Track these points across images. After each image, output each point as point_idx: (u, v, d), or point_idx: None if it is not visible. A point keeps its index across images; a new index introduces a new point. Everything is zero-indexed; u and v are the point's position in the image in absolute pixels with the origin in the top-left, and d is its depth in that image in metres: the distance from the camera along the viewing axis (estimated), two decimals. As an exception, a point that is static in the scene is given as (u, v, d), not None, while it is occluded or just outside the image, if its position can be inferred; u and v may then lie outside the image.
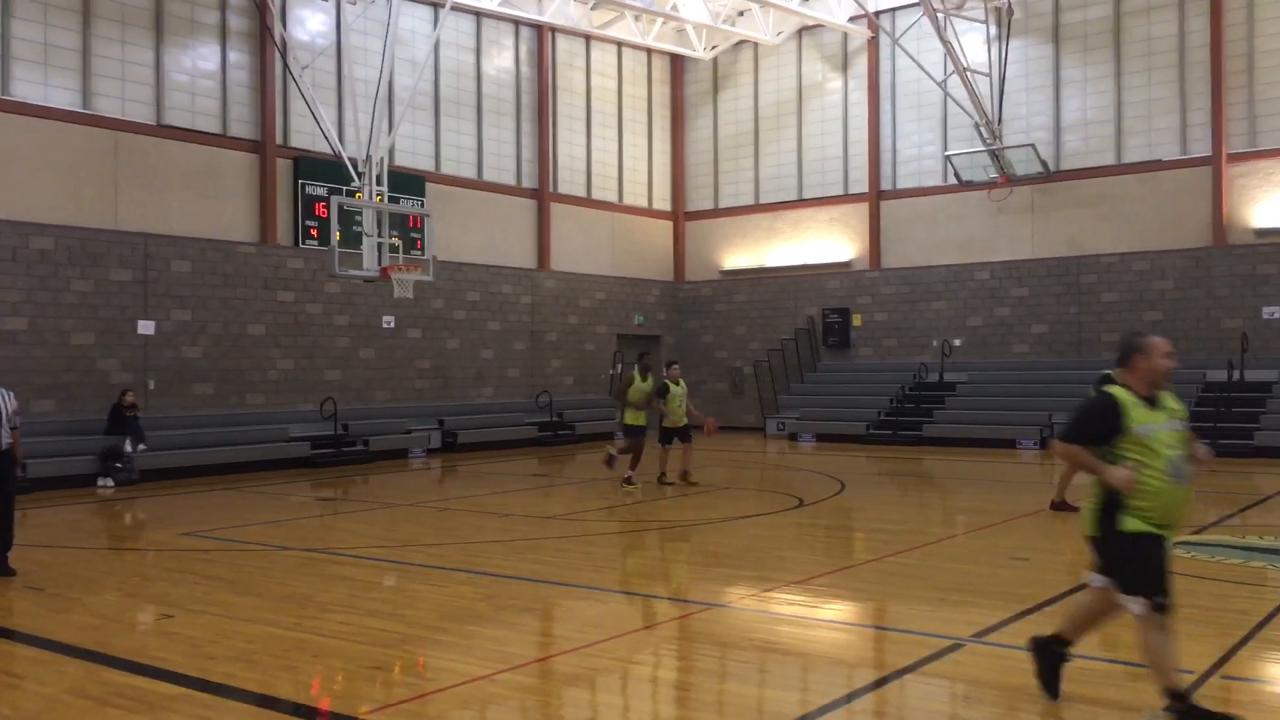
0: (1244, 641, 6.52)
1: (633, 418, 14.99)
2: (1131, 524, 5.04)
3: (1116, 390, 5.15)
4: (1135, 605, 5.01)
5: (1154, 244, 22.80)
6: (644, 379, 15.09)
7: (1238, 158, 21.91)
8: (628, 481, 14.81)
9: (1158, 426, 5.05)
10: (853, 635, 7.37)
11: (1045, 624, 7.07)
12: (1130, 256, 23.02)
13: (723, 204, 29.00)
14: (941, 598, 7.96)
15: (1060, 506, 12.05)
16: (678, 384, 15.23)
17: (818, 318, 27.16)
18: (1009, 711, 5.41)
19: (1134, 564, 5.05)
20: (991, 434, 21.72)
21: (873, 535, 11.60)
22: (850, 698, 5.70)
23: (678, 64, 29.21)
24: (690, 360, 28.27)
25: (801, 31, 27.33)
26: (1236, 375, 20.92)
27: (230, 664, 6.26)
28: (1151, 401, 5.10)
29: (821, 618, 7.75)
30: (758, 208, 28.33)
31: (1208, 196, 22.19)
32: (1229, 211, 22.00)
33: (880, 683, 6.01)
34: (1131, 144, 23.19)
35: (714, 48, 28.09)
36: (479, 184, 24.40)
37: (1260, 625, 6.89)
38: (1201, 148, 22.28)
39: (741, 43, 27.89)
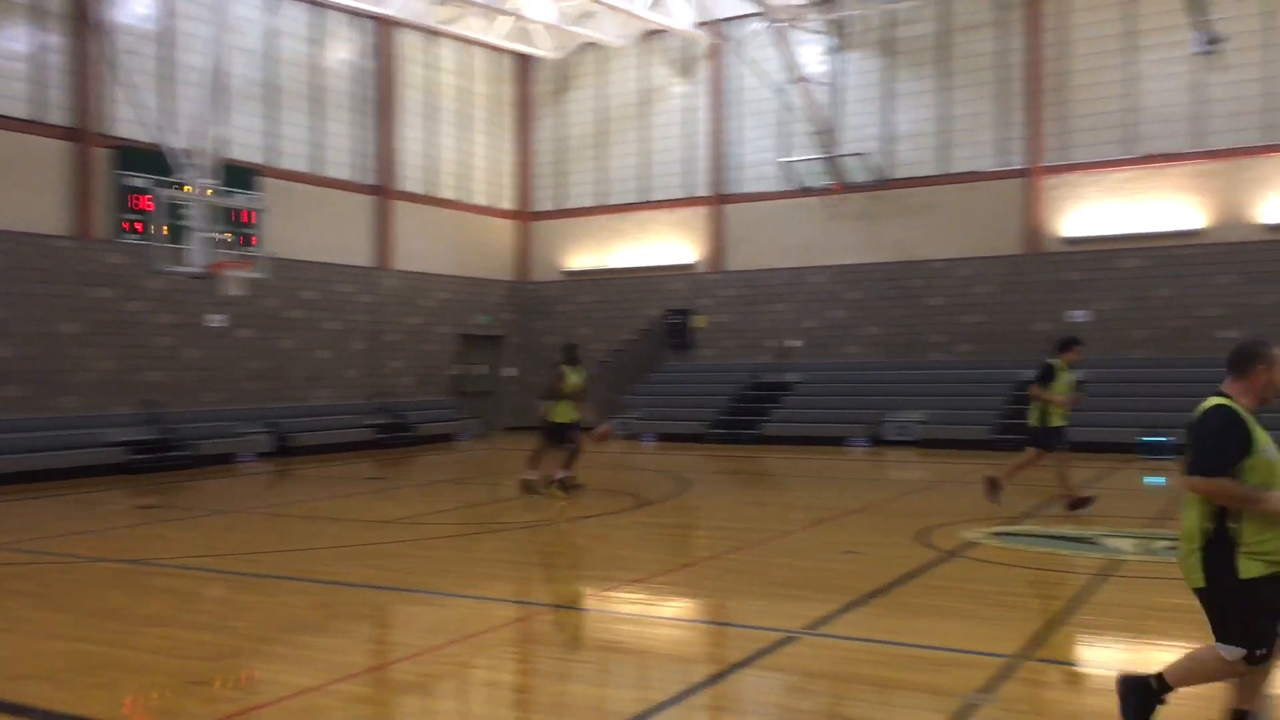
0: (1054, 625, 6.92)
1: (564, 414, 13.94)
2: (1253, 568, 4.34)
3: (1232, 405, 4.45)
4: (1230, 654, 4.47)
5: (976, 250, 23.99)
6: (574, 370, 14.20)
7: (1051, 170, 23.28)
8: (562, 486, 13.78)
9: (1273, 447, 4.41)
10: (692, 632, 7.48)
11: (875, 615, 7.36)
12: (955, 262, 24.17)
13: (568, 204, 29.00)
14: (776, 592, 8.16)
15: (1077, 504, 11.79)
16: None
17: (660, 319, 27.48)
18: (837, 700, 5.59)
19: (1248, 615, 4.40)
20: (825, 432, 22.43)
21: (713, 533, 11.81)
22: (688, 693, 5.77)
23: (524, 63, 29.06)
24: (534, 361, 28.15)
25: (647, 36, 27.61)
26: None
27: (38, 684, 5.87)
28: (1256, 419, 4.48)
29: (661, 615, 7.83)
30: (603, 209, 28.46)
31: (1022, 207, 23.51)
32: (1041, 221, 23.36)
33: (717, 677, 6.11)
34: (956, 155, 24.35)
35: (561, 48, 28.07)
36: (317, 179, 23.66)
37: (1068, 609, 7.33)
38: (1019, 160, 23.58)
39: (588, 44, 27.96)
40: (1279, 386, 4.51)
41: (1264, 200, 21.30)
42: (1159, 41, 22.05)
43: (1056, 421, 11.97)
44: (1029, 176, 23.36)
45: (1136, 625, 7.00)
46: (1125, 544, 9.87)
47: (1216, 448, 4.35)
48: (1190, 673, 4.71)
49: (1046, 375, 11.98)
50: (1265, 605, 4.37)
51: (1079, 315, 22.78)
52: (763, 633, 6.87)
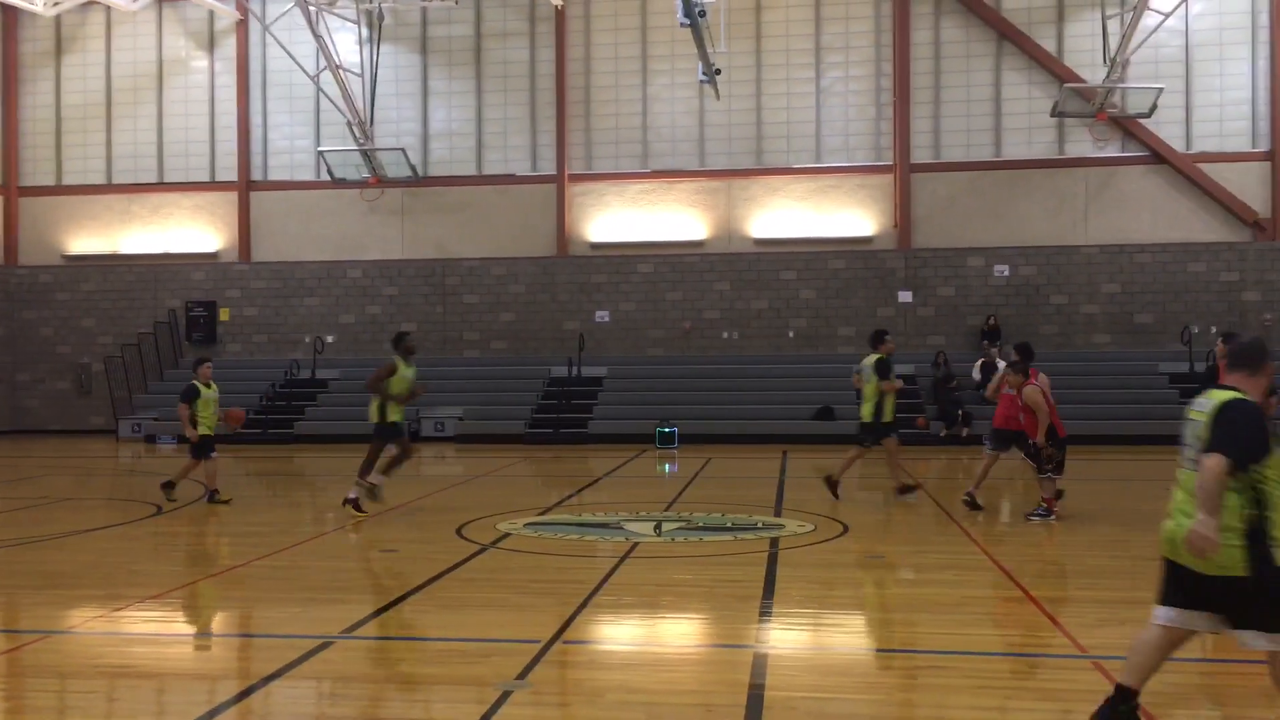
0: (581, 608, 7.33)
1: (395, 413, 11.96)
2: None
3: (1250, 399, 4.45)
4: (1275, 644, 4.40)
5: (509, 251, 24.85)
6: (408, 364, 12.02)
7: (578, 178, 24.72)
8: (368, 496, 11.76)
9: None
10: (217, 647, 6.97)
11: (413, 613, 7.34)
12: (490, 262, 24.85)
13: (67, 181, 25.88)
14: (311, 597, 7.86)
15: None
16: (209, 386, 13.02)
17: (180, 311, 25.42)
18: (375, 704, 5.49)
19: None
20: (362, 430, 21.95)
21: (240, 539, 11.11)
22: (212, 714, 5.37)
23: (10, 17, 25.42)
24: (26, 356, 24.81)
25: (162, 1, 25.35)
26: (575, 371, 23.61)
27: None
28: None
29: (181, 632, 7.23)
30: (111, 188, 25.73)
31: (554, 211, 24.74)
32: (570, 225, 24.75)
33: (245, 693, 5.74)
34: (490, 157, 25.04)
35: (56, 4, 24.88)
36: None
37: (594, 591, 7.81)
38: (549, 166, 24.77)
39: (91, 3, 25.08)
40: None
41: (754, 217, 24.22)
42: (669, 68, 24.27)
43: (890, 415, 12.35)
44: (559, 182, 24.62)
45: (652, 601, 7.62)
46: (643, 527, 10.73)
47: (1257, 440, 4.31)
48: (1143, 665, 4.66)
49: (886, 370, 12.29)
50: None
51: (602, 316, 24.45)
52: (296, 641, 6.57)
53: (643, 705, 5.32)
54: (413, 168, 24.42)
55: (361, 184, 24.51)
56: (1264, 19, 22.53)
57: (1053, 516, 10.90)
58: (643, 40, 24.54)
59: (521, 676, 5.70)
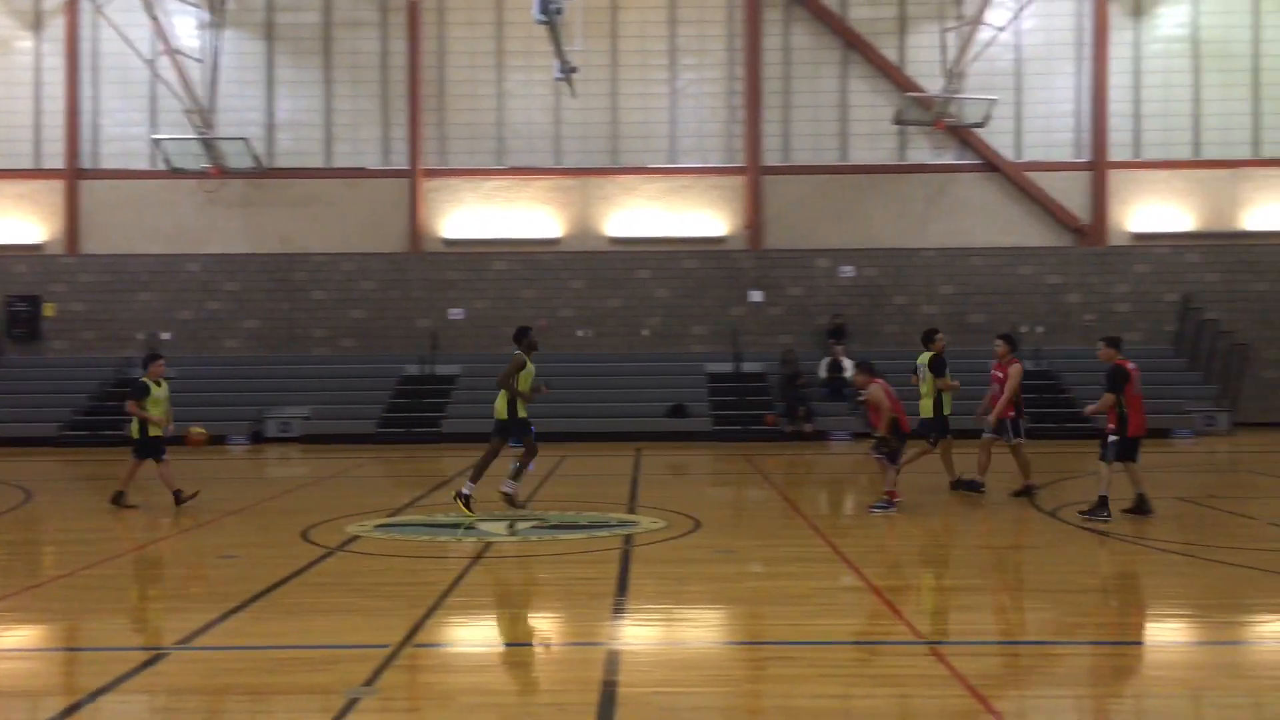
0: (432, 610, 7.21)
1: (524, 410, 11.49)
2: None
3: None
4: None
5: (360, 246, 24.25)
6: (531, 360, 11.61)
7: (432, 173, 24.32)
8: (510, 504, 11.30)
9: None
10: (38, 663, 6.56)
11: (255, 620, 7.07)
12: (339, 257, 24.20)
13: None
14: (143, 606, 7.49)
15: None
16: (159, 384, 12.34)
17: (0, 306, 23.86)
18: (212, 716, 5.27)
19: None
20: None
21: (65, 548, 10.50)
22: (32, 735, 5.05)
23: None
24: None
25: (-18, -25, 23.78)
26: (428, 370, 23.23)
27: None
28: None
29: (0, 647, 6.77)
30: (-79, 173, 23.96)
31: (406, 206, 24.26)
32: (423, 221, 24.32)
33: (71, 710, 5.42)
34: (340, 149, 24.39)
35: None
36: None
37: (446, 593, 7.68)
38: (401, 160, 24.28)
39: (-102, -27, 23.31)
40: None
41: (610, 215, 24.32)
42: (525, 64, 24.14)
43: (948, 410, 12.40)
44: (412, 177, 24.16)
45: (505, 602, 7.56)
46: (497, 527, 10.63)
47: None
48: None
49: (940, 367, 12.34)
50: None
51: (457, 314, 24.13)
52: (127, 653, 6.24)
53: (494, 707, 5.27)
54: (256, 158, 23.53)
55: (201, 174, 23.47)
56: (1088, 36, 23.93)
57: (893, 508, 11.32)
58: (498, 35, 24.32)
59: (369, 683, 5.56)
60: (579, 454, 18.75)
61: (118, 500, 12.18)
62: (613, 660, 6.03)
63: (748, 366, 23.45)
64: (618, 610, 7.23)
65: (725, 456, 18.56)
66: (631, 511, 11.73)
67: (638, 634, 6.83)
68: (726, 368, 23.41)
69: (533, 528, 10.61)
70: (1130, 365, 10.79)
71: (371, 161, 24.37)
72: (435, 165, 24.32)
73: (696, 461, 17.71)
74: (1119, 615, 7.58)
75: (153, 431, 12.21)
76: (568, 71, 20.46)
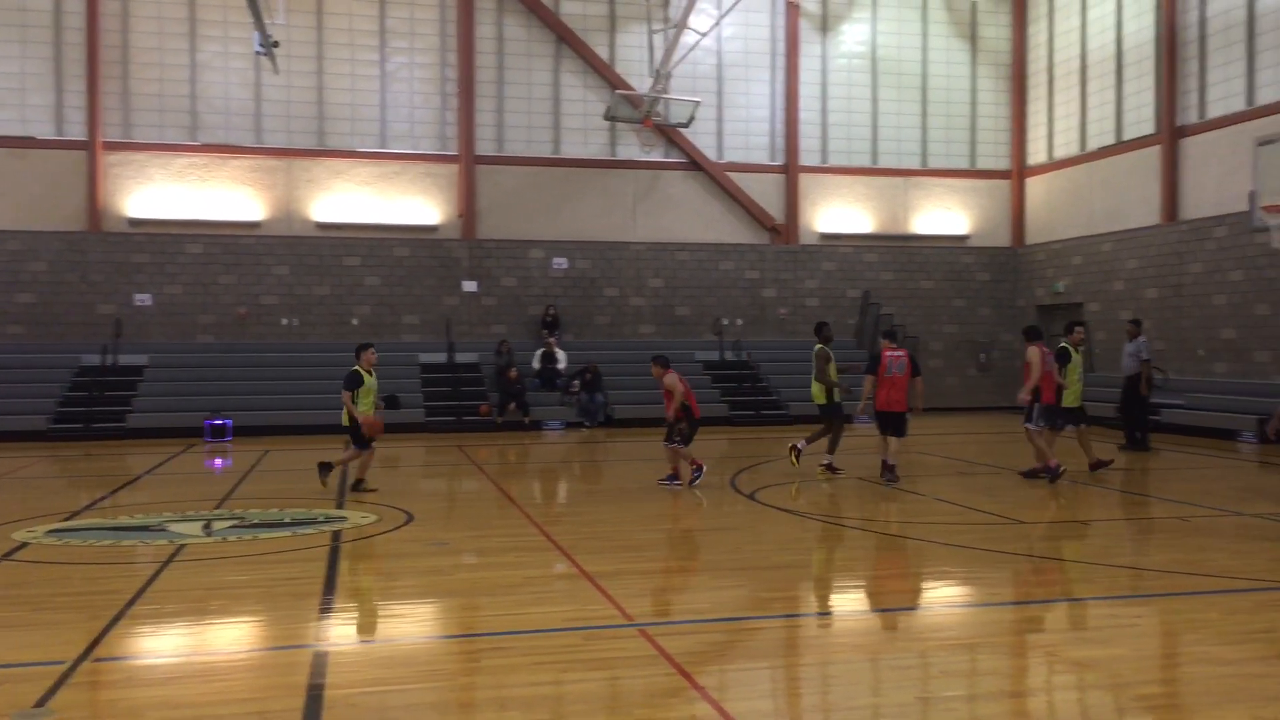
0: (116, 620, 6.65)
1: (835, 395, 13.75)
2: None
3: None
4: None
5: (28, 224, 21.91)
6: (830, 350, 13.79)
7: (114, 146, 22.33)
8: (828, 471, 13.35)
9: None
10: None
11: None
12: (3, 235, 21.77)
13: None
14: None
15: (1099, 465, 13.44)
16: (370, 374, 12.33)
17: None
18: None
19: None
20: None
21: None
22: None
23: None
24: None
25: None
26: (110, 360, 21.39)
27: None
28: None
29: None
30: None
31: (84, 181, 22.17)
32: (105, 198, 22.32)
33: None
34: (3, 116, 21.92)
35: None
36: None
37: (131, 601, 7.11)
38: (78, 131, 22.13)
39: None
40: None
41: (316, 199, 23.32)
42: (223, 34, 22.67)
43: (1070, 401, 13.28)
44: (90, 149, 22.10)
45: (200, 607, 7.10)
46: (190, 528, 9.96)
47: None
48: None
49: (1064, 357, 13.20)
50: None
51: (144, 299, 22.35)
52: None
53: (188, 720, 4.93)
54: (-101, 120, 20.71)
55: None
56: (781, 47, 25.48)
57: (678, 484, 12.24)
58: (190, 2, 22.68)
59: (40, 703, 5.06)
60: (284, 448, 17.91)
61: (357, 487, 12.20)
62: (320, 662, 5.81)
63: (462, 357, 23.25)
64: (324, 610, 6.97)
65: (439, 448, 18.33)
66: (340, 507, 11.35)
67: (346, 633, 6.62)
68: (440, 358, 23.10)
69: (231, 527, 10.03)
70: (894, 353, 12.81)
71: (42, 130, 22.06)
72: (118, 138, 22.35)
73: (409, 453, 17.38)
74: (808, 589, 8.18)
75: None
76: (269, 46, 19.42)
